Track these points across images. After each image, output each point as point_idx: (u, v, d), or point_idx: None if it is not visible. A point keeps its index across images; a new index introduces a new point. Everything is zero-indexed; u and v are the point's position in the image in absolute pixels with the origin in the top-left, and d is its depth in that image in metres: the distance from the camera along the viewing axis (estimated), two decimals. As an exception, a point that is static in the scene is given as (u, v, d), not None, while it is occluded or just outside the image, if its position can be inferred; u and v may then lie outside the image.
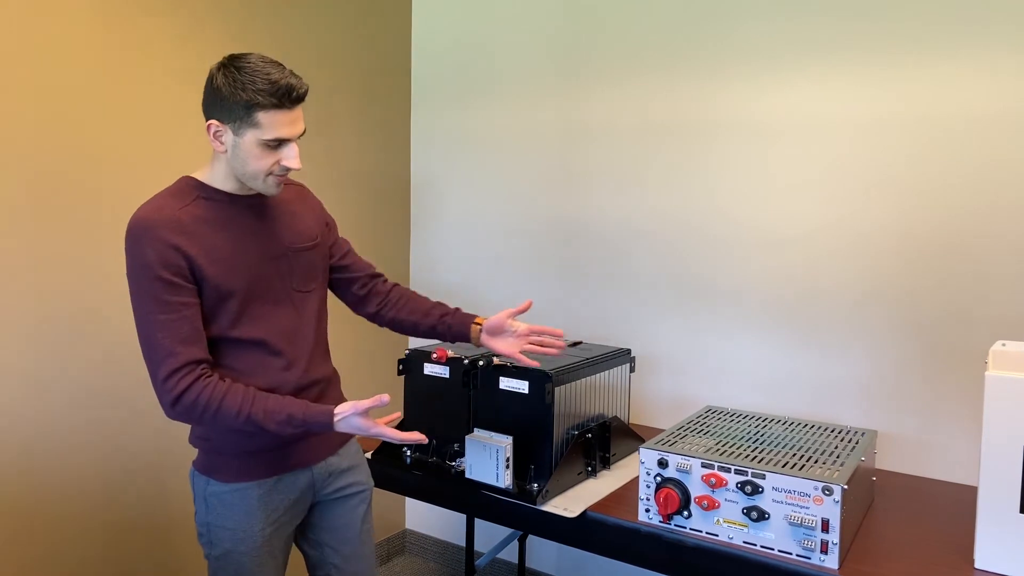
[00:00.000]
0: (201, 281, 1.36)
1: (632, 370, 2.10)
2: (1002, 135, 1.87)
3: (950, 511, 1.69)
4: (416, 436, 1.41)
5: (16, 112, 1.81)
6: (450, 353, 1.91)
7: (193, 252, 1.34)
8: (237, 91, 1.31)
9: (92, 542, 2.01)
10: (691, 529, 1.55)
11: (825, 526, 1.40)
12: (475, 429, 1.83)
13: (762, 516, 1.46)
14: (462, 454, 1.87)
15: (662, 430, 2.34)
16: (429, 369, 1.92)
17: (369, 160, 2.77)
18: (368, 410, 1.40)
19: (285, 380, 1.47)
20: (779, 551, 1.45)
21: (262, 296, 1.45)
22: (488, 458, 1.74)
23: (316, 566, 1.61)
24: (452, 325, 1.70)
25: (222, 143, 1.37)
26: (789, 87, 2.15)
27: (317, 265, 1.57)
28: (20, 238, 1.84)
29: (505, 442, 1.73)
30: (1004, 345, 1.61)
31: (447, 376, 1.89)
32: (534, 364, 1.70)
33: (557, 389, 1.75)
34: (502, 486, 1.72)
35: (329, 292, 1.73)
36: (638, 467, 1.89)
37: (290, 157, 1.37)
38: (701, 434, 1.71)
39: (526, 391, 1.76)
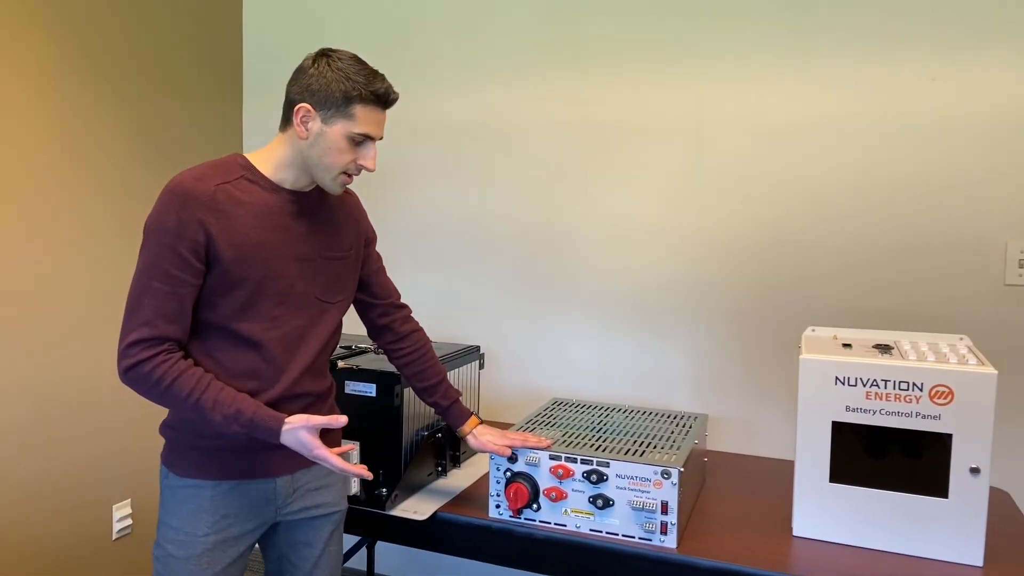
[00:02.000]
0: (214, 262, 1.30)
1: (481, 367, 2.10)
2: (813, 144, 2.06)
3: (773, 485, 1.84)
4: (361, 470, 1.31)
5: None
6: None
7: (215, 231, 1.29)
8: (341, 79, 1.31)
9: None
10: (540, 521, 1.57)
11: (664, 508, 1.47)
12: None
13: (607, 503, 1.51)
14: (306, 463, 1.78)
15: (512, 424, 2.37)
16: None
17: (193, 153, 2.58)
18: (319, 428, 1.31)
19: (271, 388, 1.36)
20: (623, 535, 1.51)
21: (276, 296, 1.36)
22: (334, 465, 1.66)
23: None
24: (444, 416, 1.65)
25: (307, 129, 1.34)
26: (631, 89, 2.24)
27: (345, 278, 1.49)
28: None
29: (352, 448, 1.66)
30: (814, 331, 1.77)
31: (288, 382, 1.79)
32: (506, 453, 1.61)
33: (406, 390, 1.72)
34: (349, 493, 1.66)
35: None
36: (488, 464, 1.89)
37: (368, 157, 1.37)
38: (549, 427, 1.74)
39: (373, 394, 1.71)
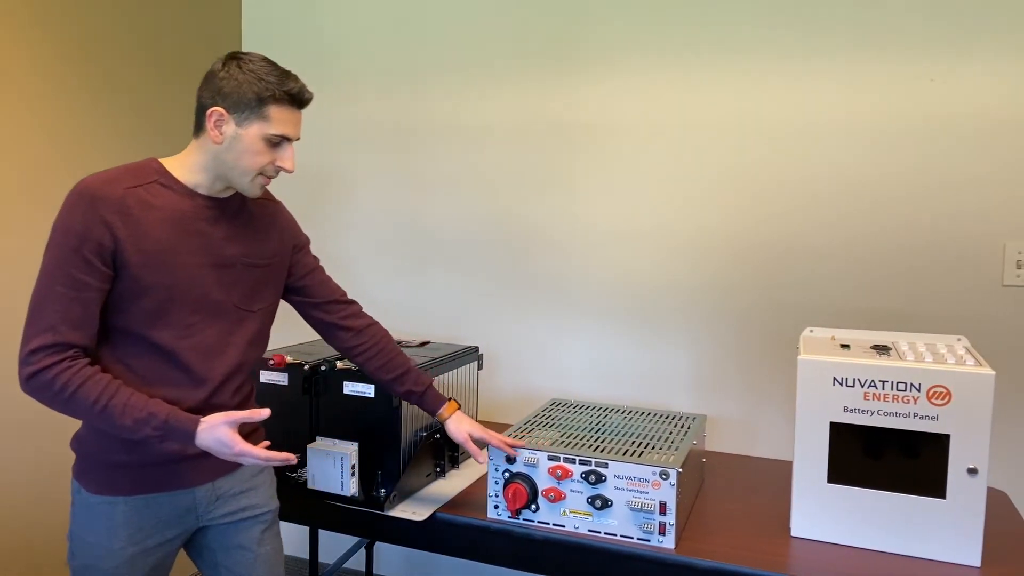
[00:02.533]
0: (121, 268, 1.26)
1: (480, 367, 2.10)
2: (813, 143, 2.07)
3: (771, 486, 1.84)
4: (284, 456, 1.30)
5: None
6: (288, 359, 1.81)
7: (122, 235, 1.25)
8: (253, 81, 1.29)
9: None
10: (539, 522, 1.57)
11: (663, 508, 1.47)
12: (317, 438, 1.75)
13: (606, 504, 1.51)
14: (304, 464, 1.78)
15: (510, 425, 2.37)
16: (266, 377, 1.81)
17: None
18: (239, 423, 1.29)
19: (189, 397, 1.33)
20: (621, 536, 1.51)
21: (190, 303, 1.33)
22: (332, 467, 1.66)
23: None
24: (421, 403, 1.63)
25: (221, 133, 1.31)
26: (630, 90, 2.24)
27: (266, 285, 1.46)
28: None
29: (350, 449, 1.66)
30: (812, 331, 1.78)
31: (286, 383, 1.79)
32: (481, 454, 1.59)
33: (403, 391, 1.71)
34: (348, 494, 1.66)
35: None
36: (487, 465, 1.89)
37: (286, 158, 1.36)
38: (547, 427, 1.74)
39: (372, 395, 1.71)
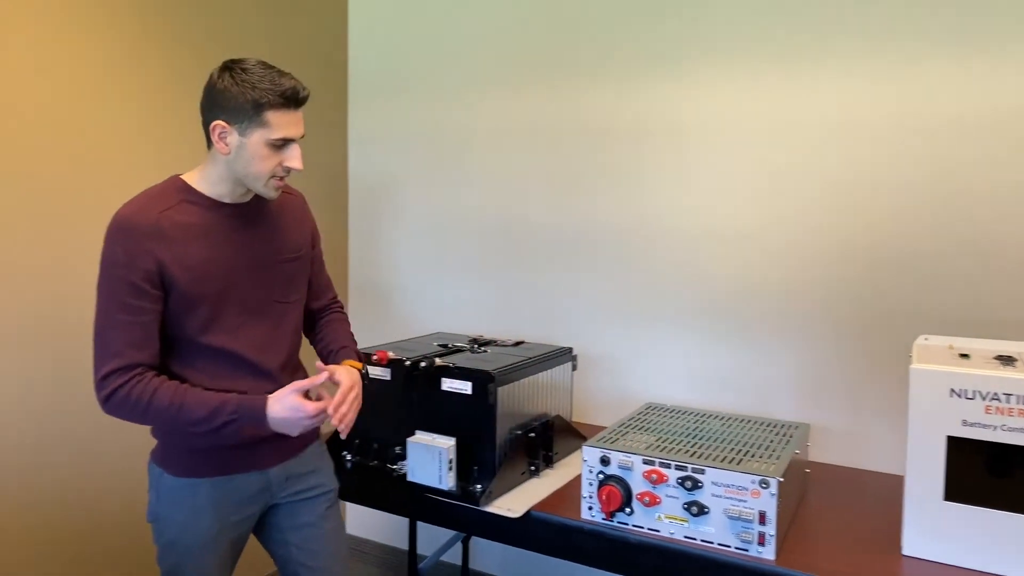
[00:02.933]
0: (170, 287, 1.36)
1: (574, 368, 2.11)
2: (930, 143, 1.95)
3: (879, 500, 1.75)
4: (349, 396, 1.42)
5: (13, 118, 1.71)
6: (391, 355, 1.88)
7: (166, 258, 1.35)
8: (246, 91, 1.33)
9: (75, 535, 1.90)
10: (633, 525, 1.56)
11: (762, 518, 1.44)
12: (416, 431, 1.81)
13: (702, 511, 1.49)
14: (404, 457, 1.84)
15: (604, 428, 2.36)
16: (370, 372, 1.88)
17: (304, 158, 2.71)
18: (304, 390, 1.40)
19: (257, 388, 1.45)
20: (718, 544, 1.48)
21: (237, 305, 1.44)
22: (431, 460, 1.72)
23: (283, 565, 1.58)
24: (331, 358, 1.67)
25: (226, 144, 1.37)
26: (733, 90, 2.19)
27: (299, 277, 1.57)
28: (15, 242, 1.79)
29: (448, 444, 1.71)
30: (927, 339, 1.68)
31: (388, 379, 1.86)
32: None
33: (500, 389, 1.75)
34: (445, 488, 1.71)
35: None
36: (581, 465, 1.90)
37: (293, 158, 1.40)
38: (642, 431, 1.73)
39: (469, 391, 1.75)
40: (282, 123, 1.36)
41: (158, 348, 1.38)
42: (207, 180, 1.43)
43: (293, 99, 1.36)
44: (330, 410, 1.41)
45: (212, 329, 1.41)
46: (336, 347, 1.64)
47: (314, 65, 2.72)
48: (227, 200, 1.44)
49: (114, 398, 1.32)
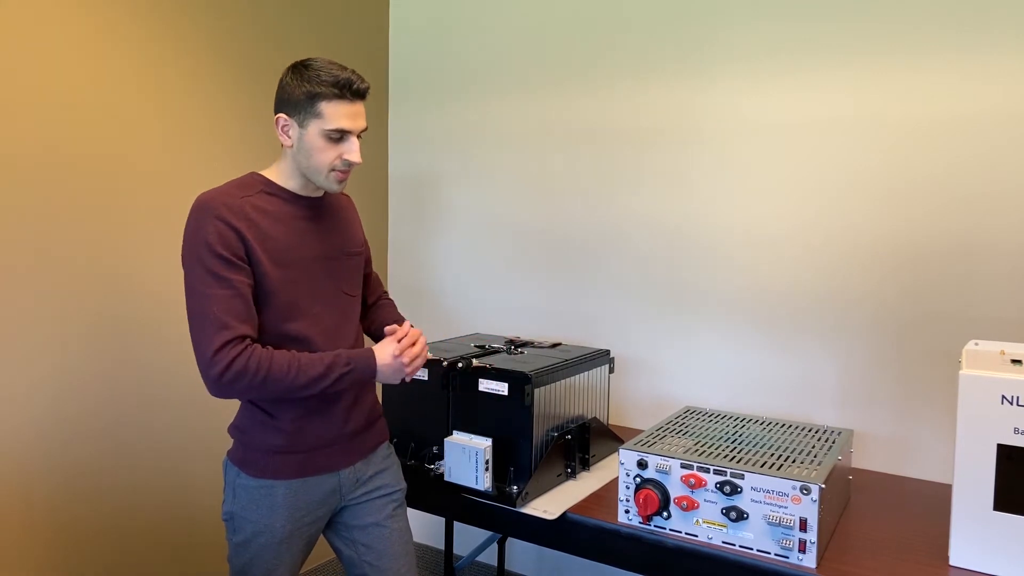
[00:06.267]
0: (255, 267, 1.40)
1: (611, 371, 2.10)
2: (976, 137, 1.90)
3: (925, 509, 1.71)
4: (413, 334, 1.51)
5: (26, 117, 1.78)
6: (429, 356, 1.89)
7: (251, 238, 1.38)
8: (303, 84, 1.38)
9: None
10: (671, 530, 1.55)
11: (803, 525, 1.41)
12: (454, 432, 1.82)
13: (741, 516, 1.47)
14: (441, 457, 1.85)
15: (641, 431, 2.35)
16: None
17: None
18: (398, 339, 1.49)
19: None
20: (758, 551, 1.46)
21: (311, 294, 1.48)
22: (467, 461, 1.72)
23: (351, 565, 1.61)
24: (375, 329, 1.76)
25: (289, 137, 1.43)
26: (766, 90, 2.16)
27: (360, 272, 1.63)
28: (30, 238, 1.85)
29: (484, 444, 1.72)
30: (977, 344, 1.63)
31: (426, 379, 1.88)
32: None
33: (536, 391, 1.75)
34: (481, 488, 1.71)
35: None
36: (617, 468, 1.89)
37: (351, 151, 1.43)
38: (680, 435, 1.71)
39: (505, 393, 1.75)
40: (336, 114, 1.39)
41: (257, 322, 1.39)
42: (282, 175, 1.48)
43: (347, 89, 1.39)
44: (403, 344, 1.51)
45: (293, 316, 1.44)
46: (391, 320, 1.71)
47: (355, 67, 2.75)
48: (301, 193, 1.50)
49: (230, 371, 1.31)
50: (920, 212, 1.97)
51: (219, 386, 1.33)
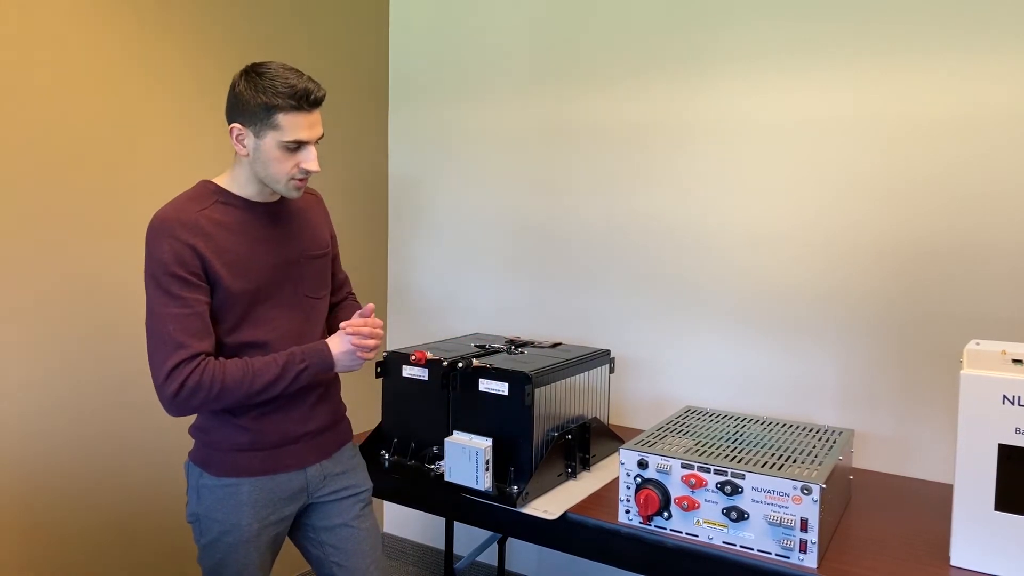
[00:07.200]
0: (213, 282, 1.39)
1: (611, 371, 2.10)
2: (976, 137, 1.90)
3: (926, 509, 1.71)
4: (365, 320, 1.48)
5: (26, 117, 1.78)
6: (429, 355, 1.89)
7: (207, 253, 1.38)
8: (258, 94, 1.35)
9: (96, 538, 1.97)
10: (671, 530, 1.55)
11: (804, 525, 1.41)
12: (454, 431, 1.82)
13: (741, 516, 1.47)
14: (441, 457, 1.85)
15: (642, 431, 2.34)
16: (408, 372, 1.90)
17: (344, 159, 2.74)
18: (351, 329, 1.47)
19: None
20: (758, 551, 1.45)
21: (270, 300, 1.47)
22: (467, 461, 1.72)
23: (319, 565, 1.61)
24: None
25: (244, 146, 1.41)
26: (766, 90, 2.16)
27: (326, 273, 1.61)
28: (27, 240, 1.84)
29: (485, 444, 1.71)
30: (978, 344, 1.63)
31: (426, 379, 1.87)
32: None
33: (537, 390, 1.74)
34: (482, 488, 1.71)
35: None
36: (618, 468, 1.89)
37: (308, 160, 1.41)
38: (681, 434, 1.71)
39: (505, 393, 1.75)
40: (293, 125, 1.37)
41: (214, 338, 1.40)
42: (237, 182, 1.46)
43: (304, 101, 1.37)
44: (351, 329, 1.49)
45: (251, 323, 1.44)
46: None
47: (356, 68, 2.75)
48: (257, 200, 1.48)
49: (184, 389, 1.32)
50: (920, 212, 1.97)
51: (175, 404, 1.34)
